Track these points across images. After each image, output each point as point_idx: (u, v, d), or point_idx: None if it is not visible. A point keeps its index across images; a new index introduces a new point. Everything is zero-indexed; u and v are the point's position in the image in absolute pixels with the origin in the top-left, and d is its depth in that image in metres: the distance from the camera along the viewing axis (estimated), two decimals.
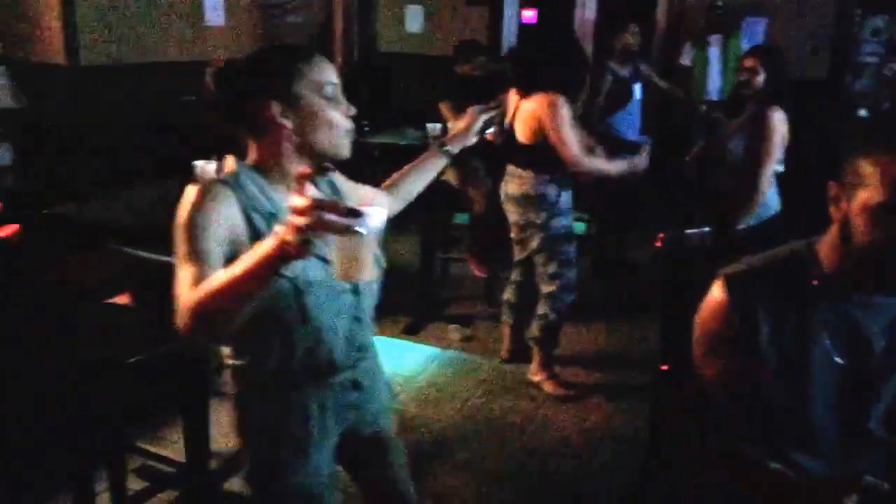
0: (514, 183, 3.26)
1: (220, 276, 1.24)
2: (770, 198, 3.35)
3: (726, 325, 1.34)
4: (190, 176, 2.77)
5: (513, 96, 3.27)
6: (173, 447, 2.76)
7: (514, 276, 3.60)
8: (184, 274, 1.33)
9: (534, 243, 3.32)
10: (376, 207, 1.16)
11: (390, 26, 6.99)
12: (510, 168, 3.30)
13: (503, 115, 3.27)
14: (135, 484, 2.58)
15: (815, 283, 1.31)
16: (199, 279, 1.30)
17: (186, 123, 3.63)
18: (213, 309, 1.25)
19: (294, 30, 6.44)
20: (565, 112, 3.06)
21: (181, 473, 2.46)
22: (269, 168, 1.49)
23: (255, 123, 1.48)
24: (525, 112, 3.17)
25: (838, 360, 1.31)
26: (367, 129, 4.47)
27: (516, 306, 3.60)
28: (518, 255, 3.50)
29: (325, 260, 1.43)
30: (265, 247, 1.16)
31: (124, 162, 4.42)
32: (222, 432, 2.81)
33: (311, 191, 1.25)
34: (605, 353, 3.96)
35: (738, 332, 1.33)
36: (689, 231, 2.32)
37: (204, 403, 2.49)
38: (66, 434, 2.01)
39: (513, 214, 3.33)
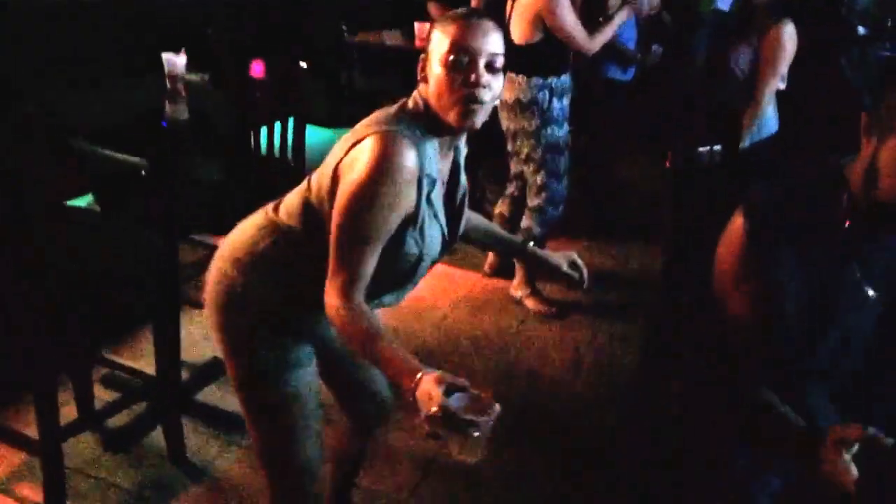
0: (507, 88, 3.12)
1: (365, 335, 1.35)
2: (769, 116, 3.22)
3: (748, 257, 1.23)
4: (160, 71, 2.55)
5: None
6: (145, 360, 2.66)
7: (509, 189, 3.52)
8: (347, 254, 1.37)
9: (524, 152, 3.23)
10: (495, 407, 1.21)
11: None
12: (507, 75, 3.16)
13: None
14: (104, 395, 2.50)
15: (845, 210, 1.21)
16: (359, 275, 1.37)
17: (157, 14, 3.36)
18: (350, 337, 1.38)
19: None
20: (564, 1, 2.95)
21: (152, 384, 2.37)
22: (423, 120, 1.44)
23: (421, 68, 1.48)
24: (522, 7, 3.02)
25: (870, 292, 1.21)
26: (345, 30, 4.20)
27: (508, 220, 3.51)
28: (514, 167, 3.41)
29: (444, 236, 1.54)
30: (401, 379, 1.27)
31: (92, 56, 4.11)
32: (193, 343, 2.75)
33: (445, 401, 1.21)
34: (589, 271, 3.88)
35: (761, 265, 1.22)
36: (700, 149, 2.20)
37: (175, 312, 2.39)
38: (28, 342, 1.89)
39: (505, 122, 3.23)
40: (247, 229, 1.58)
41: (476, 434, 1.19)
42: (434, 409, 1.18)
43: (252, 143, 2.77)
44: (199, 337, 2.77)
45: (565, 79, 3.16)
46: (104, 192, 3.03)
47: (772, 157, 3.25)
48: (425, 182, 1.42)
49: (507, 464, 2.43)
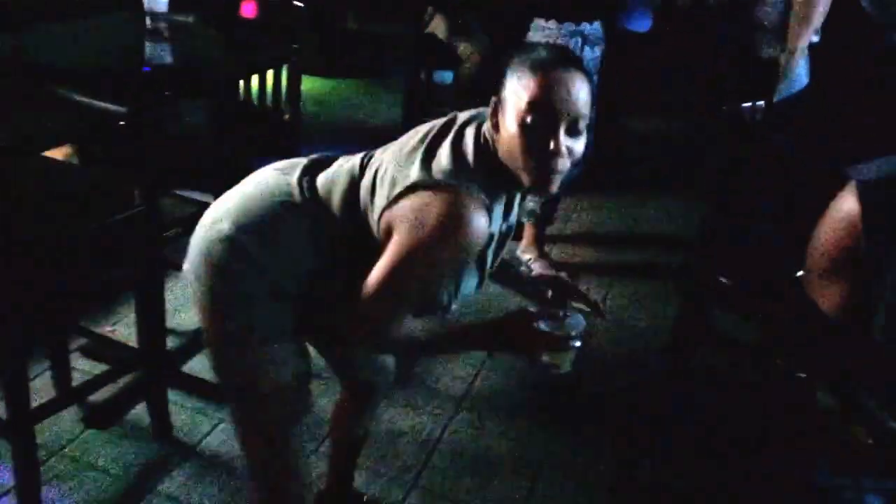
0: (536, 35, 2.93)
1: (418, 345, 1.38)
2: (800, 70, 3.00)
3: (855, 241, 1.04)
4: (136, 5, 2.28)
5: None
6: (126, 328, 2.47)
7: None
8: (386, 304, 1.30)
9: None
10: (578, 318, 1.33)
11: None
12: (535, 22, 2.96)
13: None
14: (83, 367, 2.31)
15: None
16: (392, 325, 1.32)
17: None
18: (404, 351, 1.45)
19: None
20: None
21: (135, 355, 2.18)
22: (493, 172, 1.31)
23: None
24: None
25: None
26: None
27: None
28: None
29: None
30: (490, 344, 1.43)
31: None
32: (178, 309, 2.56)
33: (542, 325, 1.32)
34: (595, 233, 3.73)
35: (868, 251, 1.03)
36: (744, 104, 2.01)
37: (158, 275, 2.18)
38: None
39: None
40: (263, 195, 1.41)
41: (575, 345, 1.30)
42: (541, 344, 1.30)
43: (243, 91, 2.53)
44: (185, 301, 2.57)
45: (597, 26, 2.94)
46: (82, 142, 2.79)
47: (801, 116, 3.05)
48: (485, 244, 1.33)
49: (516, 442, 2.28)
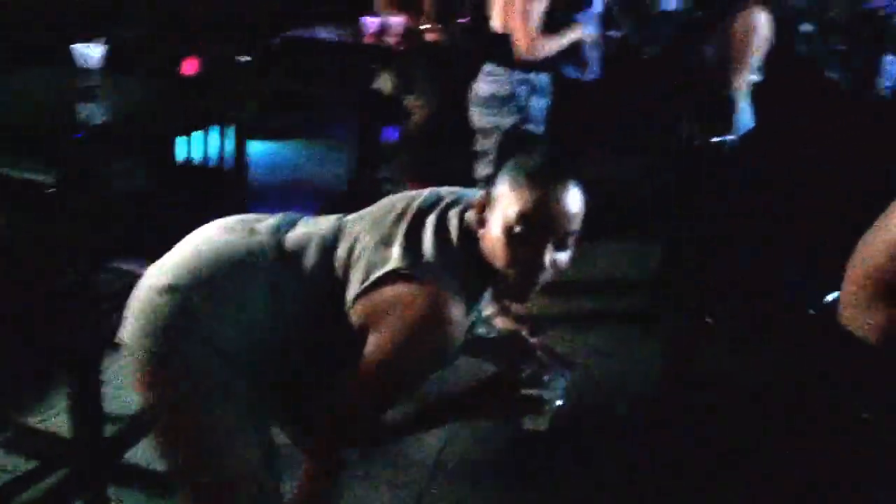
0: (485, 82, 2.91)
1: (399, 428, 1.33)
2: (743, 111, 3.02)
3: None
4: (66, 61, 2.10)
5: None
6: (57, 416, 2.22)
7: None
8: (377, 397, 1.27)
9: (496, 152, 2.96)
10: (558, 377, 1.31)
11: None
12: (485, 67, 2.93)
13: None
14: (7, 463, 2.05)
15: None
16: (384, 411, 1.29)
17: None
18: (384, 440, 1.41)
19: None
20: None
21: (69, 447, 1.95)
22: (472, 264, 1.28)
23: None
24: None
25: None
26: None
27: None
28: (481, 170, 3.08)
29: None
30: (474, 412, 1.40)
31: None
32: (115, 392, 2.32)
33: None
34: (553, 281, 3.64)
35: None
36: (713, 139, 2.00)
37: (95, 355, 1.97)
38: None
39: (477, 118, 2.96)
40: (216, 252, 1.28)
41: (556, 405, 1.28)
42: (525, 409, 1.29)
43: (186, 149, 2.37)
44: (124, 383, 2.33)
45: (545, 77, 2.92)
46: (7, 212, 2.58)
47: (747, 156, 3.07)
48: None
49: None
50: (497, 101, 2.88)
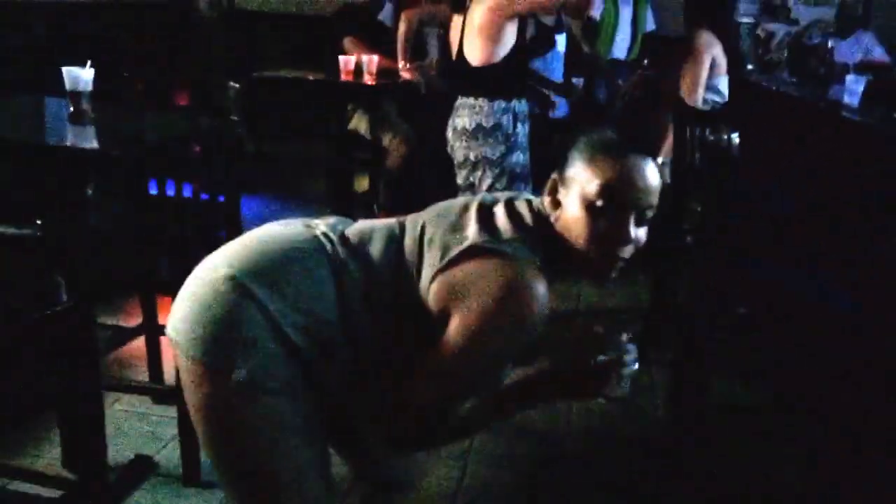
0: (466, 114, 2.90)
1: (482, 412, 1.25)
2: None
3: None
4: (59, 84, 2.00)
5: (455, 20, 2.92)
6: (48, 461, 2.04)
7: None
8: (462, 376, 1.20)
9: (486, 183, 2.94)
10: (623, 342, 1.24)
11: None
12: (460, 100, 2.94)
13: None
14: None
15: None
16: (466, 396, 1.23)
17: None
18: (461, 434, 1.30)
19: None
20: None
21: (68, 492, 1.77)
22: (549, 246, 1.24)
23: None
24: (475, 19, 2.79)
25: None
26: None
27: None
28: None
29: None
30: (556, 394, 1.28)
31: None
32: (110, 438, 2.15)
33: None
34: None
35: None
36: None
37: (96, 398, 1.82)
38: None
39: (463, 151, 2.94)
40: (277, 241, 1.25)
41: (634, 367, 1.25)
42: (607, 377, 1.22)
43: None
44: (115, 430, 2.17)
45: (525, 103, 2.97)
46: None
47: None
48: None
49: None
50: (483, 133, 2.88)
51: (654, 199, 1.22)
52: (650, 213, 1.23)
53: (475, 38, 2.82)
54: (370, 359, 1.24)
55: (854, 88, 3.42)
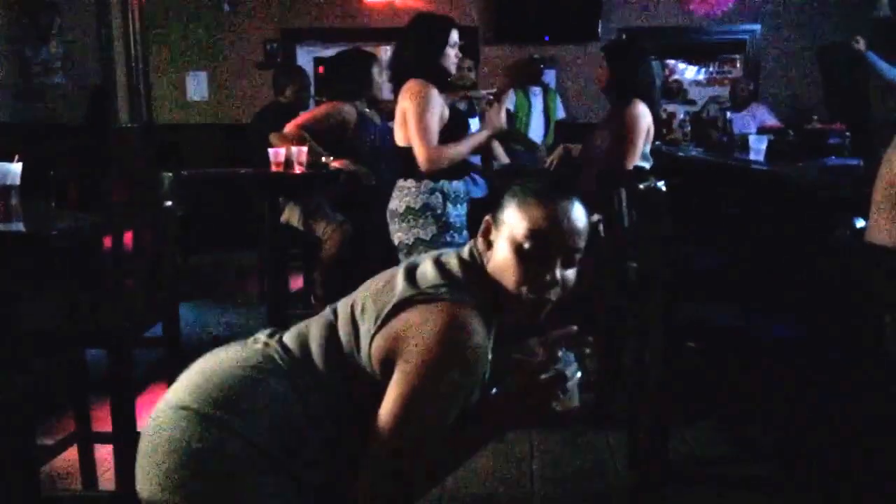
0: (397, 196, 2.86)
1: (445, 459, 1.25)
2: None
3: None
4: None
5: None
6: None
7: None
8: (416, 430, 1.18)
9: None
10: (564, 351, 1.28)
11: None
12: (397, 182, 2.91)
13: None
14: None
15: None
16: (426, 448, 1.20)
17: None
18: (430, 486, 1.28)
19: (59, 90, 5.60)
20: (432, 101, 2.74)
21: None
22: (484, 287, 1.26)
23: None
24: (398, 109, 2.82)
25: None
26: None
27: None
28: None
29: None
30: (507, 422, 1.30)
31: None
32: None
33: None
34: None
35: None
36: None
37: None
38: None
39: (398, 234, 2.88)
40: (230, 366, 1.23)
41: (578, 376, 1.28)
42: (552, 393, 1.23)
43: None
44: None
45: (459, 184, 2.90)
46: None
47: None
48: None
49: None
50: (413, 214, 2.83)
51: (581, 242, 1.26)
52: (578, 256, 1.27)
53: (397, 125, 2.85)
54: (350, 452, 1.23)
55: (758, 147, 3.69)
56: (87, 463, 2.26)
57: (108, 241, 1.98)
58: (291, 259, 4.06)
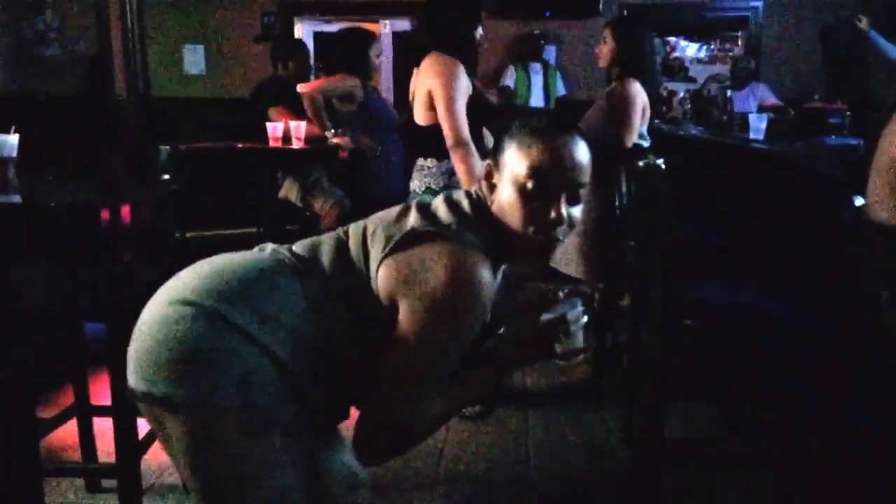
0: (417, 176, 2.77)
1: (450, 399, 1.24)
2: None
3: None
4: None
5: (415, 75, 2.78)
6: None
7: None
8: (423, 367, 1.17)
9: None
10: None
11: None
12: (417, 162, 2.80)
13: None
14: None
15: None
16: (433, 386, 1.20)
17: None
18: (439, 423, 1.25)
19: (55, 63, 5.53)
20: (460, 80, 2.60)
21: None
22: (487, 230, 1.24)
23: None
24: (421, 84, 2.68)
25: None
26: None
27: None
28: None
29: None
30: (509, 364, 1.31)
31: None
32: None
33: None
34: None
35: None
36: None
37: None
38: None
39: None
40: (241, 265, 1.22)
41: (584, 320, 1.27)
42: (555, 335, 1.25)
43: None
44: None
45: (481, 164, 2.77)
46: None
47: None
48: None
49: None
50: (433, 195, 2.73)
51: (585, 178, 1.23)
52: (583, 192, 1.24)
53: (419, 103, 2.70)
54: (351, 370, 1.21)
55: (758, 126, 3.68)
56: (87, 436, 2.27)
57: (105, 214, 1.97)
58: (289, 235, 4.05)
